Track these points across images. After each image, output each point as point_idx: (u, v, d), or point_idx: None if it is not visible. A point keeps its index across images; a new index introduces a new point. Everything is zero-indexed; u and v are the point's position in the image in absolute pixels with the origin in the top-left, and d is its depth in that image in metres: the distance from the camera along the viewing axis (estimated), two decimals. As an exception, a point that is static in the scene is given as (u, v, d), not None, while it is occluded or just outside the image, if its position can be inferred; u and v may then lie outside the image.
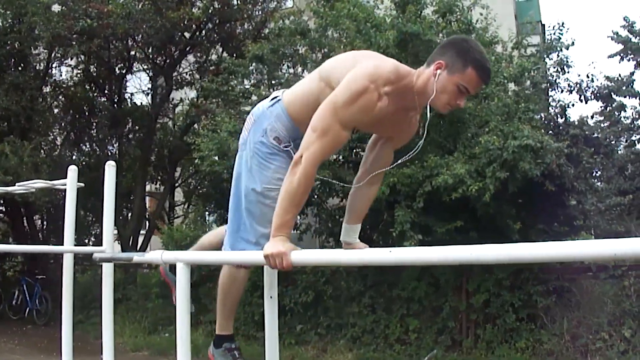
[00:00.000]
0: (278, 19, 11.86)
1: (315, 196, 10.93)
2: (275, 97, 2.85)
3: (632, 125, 15.60)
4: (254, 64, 11.07)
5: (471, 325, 9.45)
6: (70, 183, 7.84)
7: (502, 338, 9.04)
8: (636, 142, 15.85)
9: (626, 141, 15.39)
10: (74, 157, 15.68)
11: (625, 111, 15.30)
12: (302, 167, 2.48)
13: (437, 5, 9.54)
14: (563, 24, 10.43)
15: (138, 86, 16.28)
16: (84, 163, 14.91)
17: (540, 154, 8.32)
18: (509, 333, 9.04)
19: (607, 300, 8.77)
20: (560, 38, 10.38)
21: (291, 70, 11.34)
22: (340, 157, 9.88)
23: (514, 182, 8.30)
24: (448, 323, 9.45)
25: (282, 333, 10.37)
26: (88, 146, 16.38)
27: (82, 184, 8.46)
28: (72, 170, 7.85)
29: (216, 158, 9.82)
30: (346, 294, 10.39)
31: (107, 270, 7.18)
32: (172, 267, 3.31)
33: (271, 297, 3.55)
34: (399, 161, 3.00)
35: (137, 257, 3.45)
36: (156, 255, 3.21)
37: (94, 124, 15.74)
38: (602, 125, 14.46)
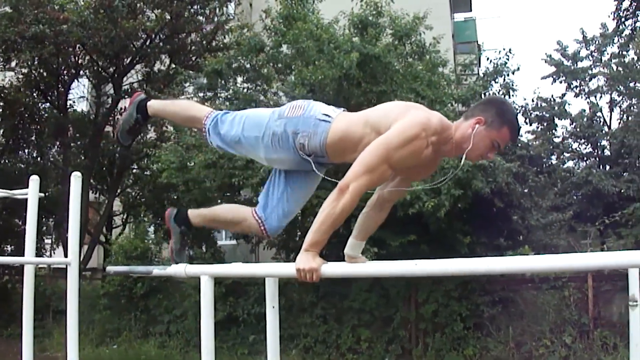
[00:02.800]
0: (236, 30, 12.03)
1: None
2: (329, 116, 3.01)
3: (563, 145, 16.53)
4: (209, 77, 11.17)
5: (420, 334, 9.86)
6: (32, 193, 7.72)
7: (450, 346, 9.48)
8: (566, 160, 16.81)
9: (557, 159, 16.28)
10: (11, 165, 15.27)
11: (556, 131, 16.20)
12: (348, 196, 2.69)
13: (394, 29, 9.94)
14: (510, 50, 11.05)
15: (81, 93, 16.06)
16: (15, 173, 14.51)
17: (489, 172, 8.81)
18: (457, 341, 9.49)
19: (549, 309, 9.33)
20: (506, 63, 10.97)
21: (245, 85, 11.50)
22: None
23: (465, 199, 8.75)
24: (398, 332, 9.82)
25: (234, 343, 10.52)
26: (27, 154, 16.00)
27: (43, 194, 8.33)
28: (34, 181, 7.73)
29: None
30: (298, 305, 10.60)
31: (72, 282, 7.13)
32: (179, 217, 3.45)
33: (273, 307, 3.77)
34: (420, 187, 3.29)
35: (157, 270, 3.56)
36: (179, 268, 3.36)
37: (35, 130, 15.40)
38: (535, 143, 15.25)
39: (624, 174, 15.12)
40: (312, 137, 2.95)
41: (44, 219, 14.85)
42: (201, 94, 11.59)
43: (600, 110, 16.94)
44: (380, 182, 2.83)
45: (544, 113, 14.10)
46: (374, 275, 2.99)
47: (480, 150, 2.84)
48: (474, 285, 9.63)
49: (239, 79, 11.42)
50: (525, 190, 10.14)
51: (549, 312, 9.34)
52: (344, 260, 3.09)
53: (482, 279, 9.68)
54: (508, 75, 10.80)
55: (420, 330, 9.84)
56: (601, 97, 16.90)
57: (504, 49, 11.15)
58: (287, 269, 2.95)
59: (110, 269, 3.80)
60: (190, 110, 3.38)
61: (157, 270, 3.53)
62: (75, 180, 7.19)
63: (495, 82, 10.86)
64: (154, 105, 3.43)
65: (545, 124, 14.86)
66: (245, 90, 10.93)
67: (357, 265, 3.06)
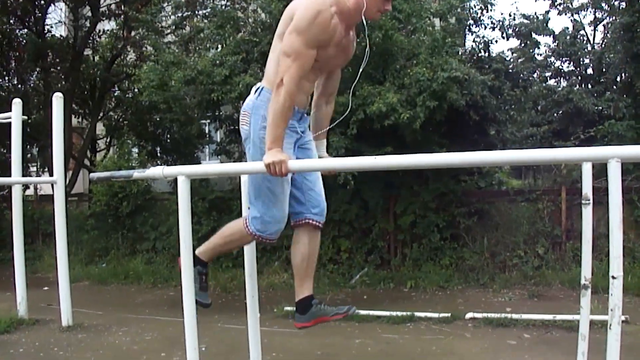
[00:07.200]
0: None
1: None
2: (259, 88, 3.26)
3: (545, 62, 16.55)
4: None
5: (399, 245, 10.13)
6: (15, 116, 7.88)
7: (427, 256, 9.77)
8: (548, 78, 16.87)
9: (539, 77, 16.34)
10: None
11: (539, 48, 16.18)
12: (285, 87, 2.96)
13: None
14: (489, -38, 10.86)
15: (59, 18, 15.79)
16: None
17: (465, 85, 8.89)
18: (434, 251, 9.77)
19: (523, 221, 9.60)
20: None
21: (222, 2, 11.35)
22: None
23: (441, 111, 8.84)
24: (377, 243, 10.06)
25: (219, 257, 10.73)
26: (7, 81, 15.81)
27: (26, 117, 8.34)
28: (17, 104, 7.86)
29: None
30: (279, 217, 10.74)
31: (59, 200, 7.30)
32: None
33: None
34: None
35: (137, 173, 3.68)
36: (157, 170, 3.49)
37: (14, 57, 15.19)
38: (518, 61, 15.27)
39: (606, 92, 15.22)
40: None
41: (27, 147, 14.80)
42: (179, 14, 11.47)
43: (583, 28, 16.92)
44: (309, 64, 3.05)
45: (523, 29, 14.06)
46: (335, 169, 3.25)
47: (376, 5, 3.13)
48: (451, 197, 9.84)
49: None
50: (501, 104, 10.24)
51: (523, 224, 9.60)
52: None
53: (458, 190, 9.90)
54: (486, -11, 10.68)
55: (398, 241, 10.10)
56: (585, 15, 16.87)
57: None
58: (258, 165, 3.13)
59: (94, 175, 3.93)
60: (229, 230, 3.58)
61: (137, 174, 3.64)
62: (57, 100, 7.33)
63: (474, -4, 10.76)
64: (201, 250, 3.60)
65: (526, 41, 14.84)
66: (223, 7, 10.82)
67: (320, 160, 3.45)
